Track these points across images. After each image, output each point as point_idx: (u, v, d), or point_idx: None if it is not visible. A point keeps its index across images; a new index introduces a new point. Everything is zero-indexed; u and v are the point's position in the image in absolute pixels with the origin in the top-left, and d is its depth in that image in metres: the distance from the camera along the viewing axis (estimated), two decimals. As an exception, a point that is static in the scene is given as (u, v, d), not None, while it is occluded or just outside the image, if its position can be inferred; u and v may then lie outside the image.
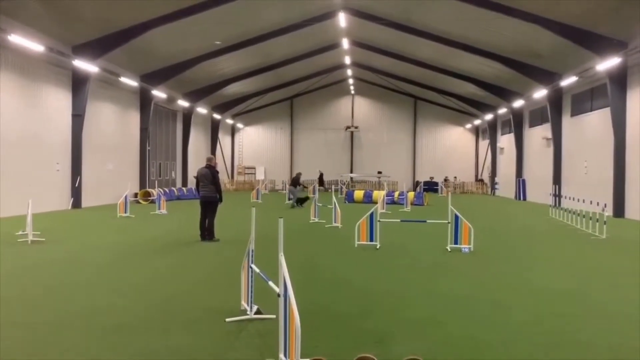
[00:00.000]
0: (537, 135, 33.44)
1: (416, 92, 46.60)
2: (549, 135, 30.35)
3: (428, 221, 14.67)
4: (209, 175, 13.19)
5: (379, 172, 45.66)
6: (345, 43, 34.06)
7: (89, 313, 6.67)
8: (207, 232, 13.35)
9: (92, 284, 8.47)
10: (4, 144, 19.30)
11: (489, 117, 42.57)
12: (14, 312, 6.65)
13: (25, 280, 8.70)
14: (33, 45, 19.29)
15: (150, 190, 28.72)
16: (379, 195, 26.91)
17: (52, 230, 15.06)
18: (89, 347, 5.44)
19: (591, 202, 16.81)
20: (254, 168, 50.70)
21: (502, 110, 39.15)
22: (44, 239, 13.04)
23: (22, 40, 18.64)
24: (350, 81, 47.80)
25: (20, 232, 13.63)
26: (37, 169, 21.36)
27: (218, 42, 28.45)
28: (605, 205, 16.44)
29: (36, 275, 9.14)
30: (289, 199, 26.90)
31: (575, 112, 28.06)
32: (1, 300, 7.25)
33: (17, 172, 19.92)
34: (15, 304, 7.06)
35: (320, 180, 43.49)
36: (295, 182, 27.33)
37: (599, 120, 24.99)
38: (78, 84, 23.69)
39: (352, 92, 50.05)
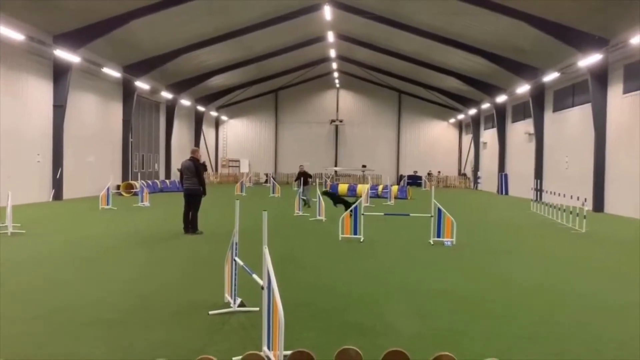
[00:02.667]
0: (520, 130, 33.77)
1: (401, 86, 46.75)
2: (531, 130, 30.68)
3: (411, 215, 14.77)
4: (192, 167, 13.11)
5: (363, 166, 45.80)
6: (330, 36, 33.99)
7: (68, 307, 6.60)
8: (190, 225, 13.30)
9: (72, 278, 8.38)
10: (-17, 135, 18.96)
11: (472, 111, 42.87)
12: (-6, 305, 6.56)
13: (3, 273, 8.58)
14: (13, 34, 18.95)
15: (132, 182, 28.46)
16: (363, 189, 27.00)
17: (32, 222, 14.86)
18: (68, 342, 5.38)
19: (572, 197, 17.06)
20: (239, 161, 50.49)
21: (485, 105, 39.46)
22: (24, 231, 12.88)
23: (1, 29, 18.28)
24: (335, 74, 47.77)
25: (-1, 224, 13.43)
26: (18, 160, 21.03)
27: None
28: (585, 200, 16.70)
29: (15, 268, 9.02)
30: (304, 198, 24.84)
31: (557, 108, 28.39)
32: (-20, 293, 7.15)
33: (-4, 163, 19.60)
34: (-5, 297, 6.97)
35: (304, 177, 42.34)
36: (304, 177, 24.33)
37: (580, 116, 25.32)
38: (59, 74, 23.33)
39: (337, 85, 50.04)
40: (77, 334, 5.59)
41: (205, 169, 46.41)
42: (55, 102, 23.39)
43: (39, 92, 22.56)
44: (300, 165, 25.55)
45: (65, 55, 22.44)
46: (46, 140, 23.15)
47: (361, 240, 12.36)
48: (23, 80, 21.54)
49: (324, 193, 20.21)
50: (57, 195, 23.53)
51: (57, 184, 23.56)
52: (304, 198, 21.32)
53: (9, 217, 12.71)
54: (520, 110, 34.20)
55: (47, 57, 22.71)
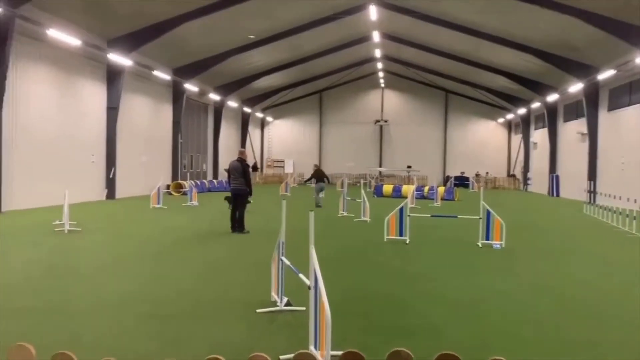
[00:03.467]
0: (572, 130, 32.67)
1: (447, 85, 46.01)
2: (584, 130, 29.61)
3: (459, 216, 14.51)
4: (240, 168, 13.26)
5: (409, 167, 45.34)
6: (375, 36, 33.81)
7: (123, 301, 6.84)
8: (237, 224, 13.50)
9: (126, 273, 8.67)
10: (42, 137, 19.85)
11: (522, 111, 41.76)
12: (51, 299, 6.86)
13: (62, 268, 8.96)
14: (70, 39, 19.74)
15: (182, 182, 29.16)
16: (408, 189, 26.72)
17: (87, 220, 15.44)
18: (122, 334, 5.59)
19: (628, 199, 16.37)
20: (283, 161, 50.92)
21: (535, 105, 38.36)
22: (80, 229, 13.39)
23: (59, 35, 19.09)
24: (380, 74, 47.47)
25: (57, 222, 14.02)
26: (73, 161, 21.90)
27: (252, 36, 28.61)
28: (643, 203, 16.01)
29: (72, 263, 9.40)
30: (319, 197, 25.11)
31: (612, 107, 27.30)
32: (38, 287, 7.50)
33: (54, 163, 20.48)
34: (52, 292, 7.28)
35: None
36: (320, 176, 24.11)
37: (637, 115, 24.26)
38: (113, 77, 24.17)
39: (382, 85, 49.71)
40: (132, 328, 5.78)
41: (256, 169, 47.20)
42: (108, 104, 24.25)
43: (93, 95, 23.43)
44: (315, 165, 25.32)
45: (119, 59, 23.23)
46: (100, 141, 24.02)
47: (407, 241, 12.24)
48: (79, 83, 22.42)
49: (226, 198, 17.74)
50: (110, 194, 24.35)
51: (110, 184, 24.40)
52: (320, 196, 21.32)
53: (66, 215, 13.25)
54: (572, 110, 33.07)
55: (102, 61, 23.57)
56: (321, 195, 22.30)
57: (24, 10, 17.23)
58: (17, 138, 18.47)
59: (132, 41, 23.58)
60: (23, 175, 18.73)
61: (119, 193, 24.89)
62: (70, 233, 12.87)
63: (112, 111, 24.30)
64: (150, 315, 6.23)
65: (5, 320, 5.88)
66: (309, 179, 24.02)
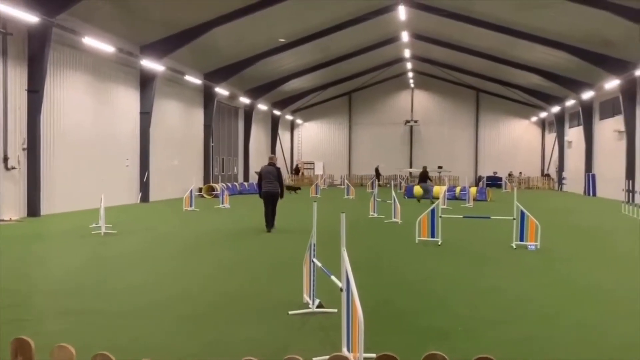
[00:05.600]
0: (609, 128, 31.80)
1: (478, 84, 45.37)
2: (622, 127, 28.79)
3: (492, 217, 14.30)
4: (274, 172, 14.44)
5: (440, 167, 44.83)
6: (404, 36, 33.61)
7: (161, 302, 6.97)
8: (271, 222, 14.48)
9: (163, 274, 8.83)
10: (79, 142, 20.37)
11: (555, 109, 40.87)
12: (90, 301, 7.04)
13: (100, 270, 9.18)
14: (105, 46, 20.23)
15: (213, 185, 29.53)
16: (439, 190, 26.44)
17: (123, 223, 15.77)
18: (161, 335, 5.70)
19: (669, 198, 15.86)
20: (313, 163, 51.03)
21: (570, 102, 37.49)
22: (115, 232, 13.69)
23: (94, 42, 19.60)
24: (410, 74, 47.14)
25: (93, 225, 14.35)
26: (109, 165, 22.41)
27: (282, 40, 28.80)
28: (685, 202, 15.46)
29: (110, 265, 9.62)
30: (422, 198, 26.26)
31: (651, 103, 26.49)
32: (78, 289, 7.70)
33: (90, 167, 21.00)
34: (91, 293, 7.47)
35: (377, 175, 43.06)
36: (424, 176, 26.60)
37: (677, 111, 23.48)
38: (145, 83, 24.66)
39: (412, 85, 49.34)
40: (170, 330, 5.89)
41: (298, 172, 47.96)
42: (141, 109, 24.75)
43: (127, 100, 23.95)
44: (424, 166, 27.63)
45: (151, 64, 23.69)
46: (134, 145, 24.52)
47: (439, 243, 12.12)
48: (113, 89, 22.94)
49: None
50: (144, 197, 24.83)
51: (144, 187, 24.88)
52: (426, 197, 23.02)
53: (102, 218, 13.56)
54: (609, 107, 32.20)
55: (135, 67, 24.07)
56: (428, 195, 25.33)
57: (60, 19, 17.73)
58: (55, 144, 19.02)
59: (163, 47, 24.02)
60: (61, 180, 19.26)
61: (153, 196, 25.35)
62: (107, 236, 13.16)
63: (145, 116, 24.78)
64: (188, 317, 6.33)
65: (47, 321, 6.06)
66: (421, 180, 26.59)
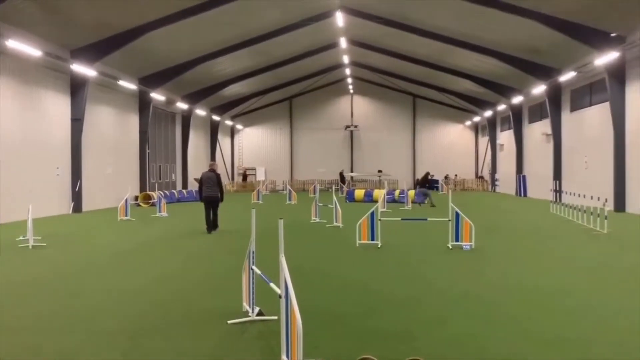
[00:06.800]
0: (537, 131, 33.41)
1: (415, 90, 46.56)
2: (549, 131, 30.33)
3: (429, 219, 14.65)
4: (214, 178, 15.33)
5: (380, 171, 45.62)
6: (343, 42, 34.04)
7: (90, 317, 6.66)
8: (212, 225, 15.40)
9: (93, 288, 8.45)
10: (4, 150, 19.29)
11: (488, 113, 42.55)
12: (14, 317, 6.64)
13: (26, 285, 8.68)
14: (31, 50, 19.27)
15: (150, 193, 28.70)
16: (379, 194, 26.88)
17: (53, 235, 15.05)
18: (93, 350, 5.44)
19: (592, 197, 16.79)
20: (254, 169, 50.67)
21: (501, 107, 39.14)
22: (45, 244, 13.04)
23: (20, 45, 18.63)
24: (349, 80, 47.78)
25: (21, 237, 13.62)
26: (37, 174, 21.34)
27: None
28: (606, 200, 16.40)
29: (37, 280, 9.12)
30: (421, 202, 26.99)
31: (574, 108, 28.04)
32: (2, 305, 7.24)
33: (17, 177, 19.91)
34: (16, 309, 7.05)
35: (342, 179, 43.36)
36: (425, 181, 27.85)
37: (598, 115, 24.97)
38: (76, 88, 23.67)
39: (351, 91, 50.00)
40: (100, 346, 5.62)
41: (246, 178, 47.56)
42: (73, 115, 23.72)
43: (56, 106, 22.90)
44: (427, 172, 29.11)
45: (82, 69, 22.77)
46: (65, 153, 23.47)
47: (379, 246, 12.29)
48: (41, 94, 21.89)
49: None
50: (77, 207, 23.80)
51: (77, 197, 23.84)
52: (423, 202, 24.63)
53: (30, 230, 12.89)
54: (536, 111, 33.85)
55: (65, 72, 23.07)
56: (427, 200, 26.46)
57: (-18, 20, 16.76)
58: (-23, 152, 17.91)
59: (95, 51, 23.15)
60: (-16, 191, 18.15)
61: (86, 206, 24.35)
62: (35, 249, 12.51)
63: (77, 122, 23.78)
64: (119, 331, 6.07)
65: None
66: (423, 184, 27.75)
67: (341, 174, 44.32)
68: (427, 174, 28.90)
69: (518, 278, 8.94)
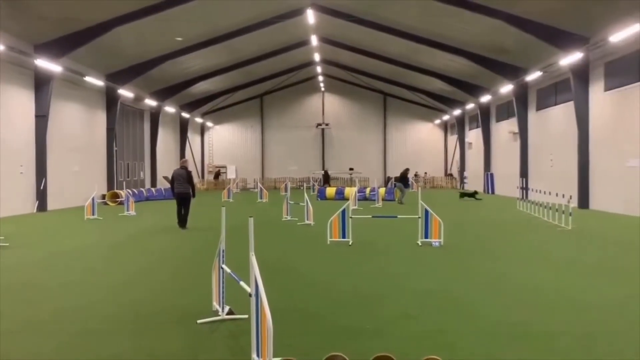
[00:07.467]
0: (504, 130, 34.02)
1: (385, 88, 46.89)
2: (516, 129, 30.91)
3: (399, 216, 14.79)
4: (185, 174, 15.71)
5: (351, 169, 45.82)
6: (314, 40, 34.02)
7: (56, 318, 6.50)
8: (183, 221, 15.87)
9: (58, 289, 8.25)
10: (-36, 147, 18.68)
11: (457, 112, 43.13)
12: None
13: (-12, 287, 8.42)
14: (-8, 44, 18.70)
15: (118, 191, 28.19)
16: (350, 191, 27.00)
17: (16, 235, 14.64)
18: (57, 351, 5.30)
19: (557, 195, 17.20)
20: (225, 167, 50.28)
21: (469, 106, 39.71)
22: (7, 244, 12.67)
23: (-20, 40, 18.06)
24: (320, 78, 47.81)
25: (-18, 238, 13.20)
26: (0, 172, 20.72)
27: (179, 39, 27.93)
28: (571, 197, 16.85)
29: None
30: (400, 199, 26.85)
31: (540, 107, 28.66)
32: (-37, 308, 7.01)
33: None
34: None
35: (327, 178, 41.93)
36: (403, 177, 27.94)
37: (563, 114, 25.58)
38: (41, 84, 23.05)
39: (322, 89, 50.05)
40: (67, 346, 5.50)
41: (218, 177, 46.71)
42: (37, 112, 23.10)
43: (20, 103, 22.27)
44: (406, 169, 29.23)
45: (47, 64, 22.18)
46: (29, 151, 22.84)
47: (350, 243, 12.34)
48: (3, 90, 21.24)
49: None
50: (42, 206, 23.21)
51: (41, 195, 23.25)
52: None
53: (-8, 230, 12.51)
54: (504, 110, 34.47)
55: (28, 67, 22.44)
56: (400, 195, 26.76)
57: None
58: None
59: (61, 46, 22.57)
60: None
61: (51, 205, 23.77)
62: (-3, 249, 12.14)
63: (42, 119, 23.17)
64: (87, 332, 5.95)
65: None
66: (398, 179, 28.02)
67: (326, 173, 42.62)
68: (407, 170, 29.02)
69: (486, 274, 9.10)
